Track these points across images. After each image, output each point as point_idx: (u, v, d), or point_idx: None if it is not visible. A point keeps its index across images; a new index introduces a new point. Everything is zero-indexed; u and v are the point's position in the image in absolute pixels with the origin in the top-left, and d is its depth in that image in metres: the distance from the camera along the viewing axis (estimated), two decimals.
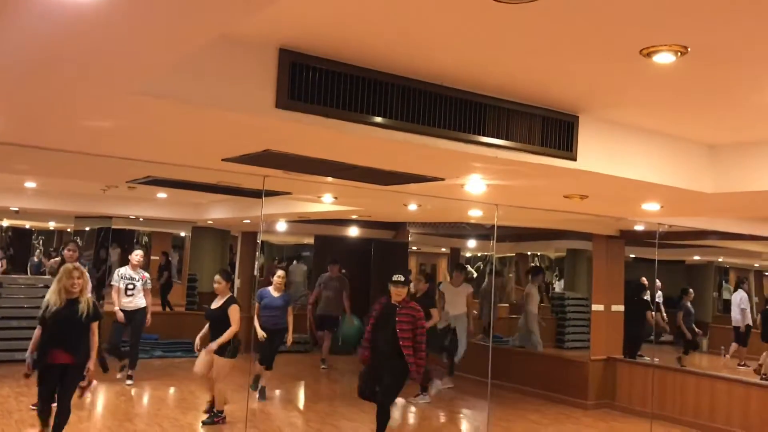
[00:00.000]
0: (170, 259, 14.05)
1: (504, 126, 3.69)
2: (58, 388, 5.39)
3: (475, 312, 9.88)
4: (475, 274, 14.32)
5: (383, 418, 5.85)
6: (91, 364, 5.40)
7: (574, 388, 8.84)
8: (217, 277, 6.79)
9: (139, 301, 8.28)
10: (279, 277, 7.88)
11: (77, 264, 5.71)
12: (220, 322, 6.55)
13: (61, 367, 5.33)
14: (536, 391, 9.18)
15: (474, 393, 9.11)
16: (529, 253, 16.63)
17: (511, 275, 14.85)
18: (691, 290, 11.17)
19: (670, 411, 8.17)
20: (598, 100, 3.73)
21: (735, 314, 11.91)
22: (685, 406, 8.11)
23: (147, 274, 8.47)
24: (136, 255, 8.45)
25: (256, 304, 7.81)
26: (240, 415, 6.67)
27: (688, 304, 10.80)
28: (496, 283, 11.75)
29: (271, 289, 7.86)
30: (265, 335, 7.56)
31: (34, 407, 6.65)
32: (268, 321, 7.67)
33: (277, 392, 8.49)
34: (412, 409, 8.10)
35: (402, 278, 5.93)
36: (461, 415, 8.33)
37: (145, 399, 8.15)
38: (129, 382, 8.26)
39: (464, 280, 9.35)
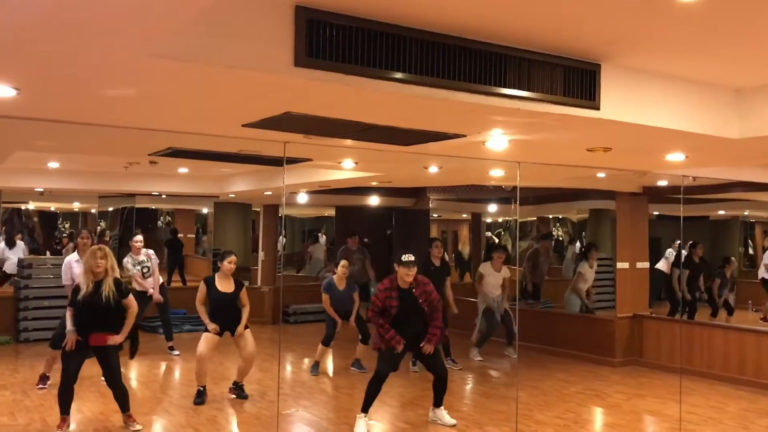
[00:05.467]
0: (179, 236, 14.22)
1: (525, 77, 3.64)
2: (104, 371, 5.58)
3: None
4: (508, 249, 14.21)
5: (444, 386, 6.05)
6: (120, 337, 5.51)
7: (601, 346, 8.85)
8: (233, 258, 6.68)
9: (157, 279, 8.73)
10: (342, 267, 8.11)
11: (102, 245, 5.81)
12: (233, 303, 6.59)
13: (96, 349, 5.47)
14: (563, 350, 9.20)
15: (502, 354, 9.16)
16: (550, 216, 16.53)
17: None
18: (733, 259, 11.07)
19: (698, 365, 8.15)
20: (620, 46, 3.65)
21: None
22: (713, 360, 8.09)
23: (151, 251, 8.68)
24: (137, 241, 8.59)
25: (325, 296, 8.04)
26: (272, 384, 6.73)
27: (728, 274, 10.70)
28: (545, 246, 11.68)
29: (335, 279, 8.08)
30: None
31: (41, 387, 6.86)
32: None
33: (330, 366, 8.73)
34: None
35: (413, 258, 5.78)
36: (490, 377, 8.36)
37: (177, 372, 8.30)
38: (176, 353, 8.90)
39: (504, 261, 9.03)
